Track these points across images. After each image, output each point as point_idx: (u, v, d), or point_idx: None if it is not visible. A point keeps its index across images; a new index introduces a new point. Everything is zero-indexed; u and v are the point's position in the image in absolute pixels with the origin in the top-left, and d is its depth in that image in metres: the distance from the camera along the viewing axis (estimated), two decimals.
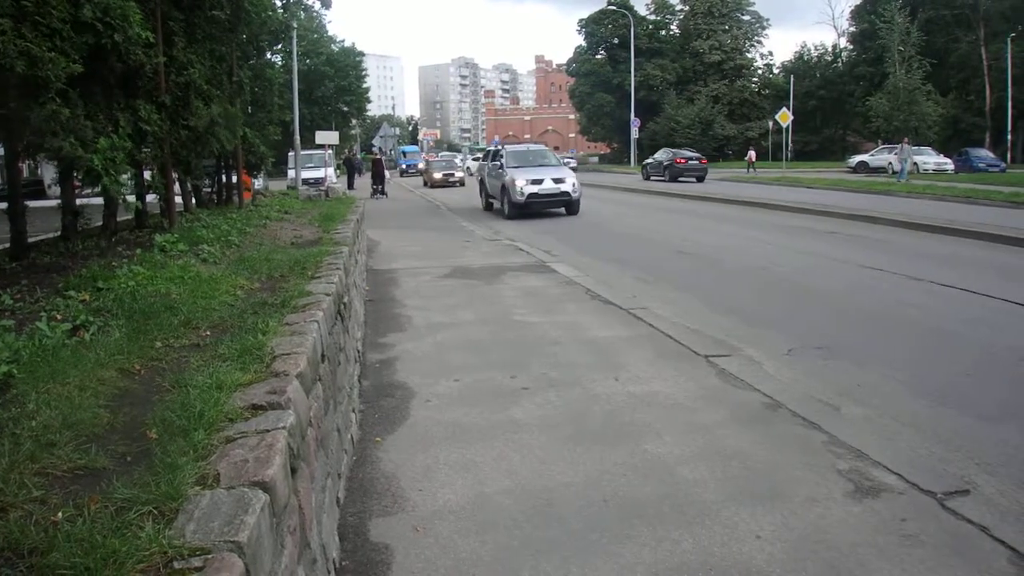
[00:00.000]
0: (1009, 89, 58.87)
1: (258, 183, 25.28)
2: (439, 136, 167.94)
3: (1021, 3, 63.22)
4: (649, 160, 48.90)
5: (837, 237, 17.42)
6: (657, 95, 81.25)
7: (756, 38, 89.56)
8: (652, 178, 45.58)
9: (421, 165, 62.92)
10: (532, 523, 4.18)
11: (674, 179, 43.01)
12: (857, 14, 79.53)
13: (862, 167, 50.46)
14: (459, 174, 49.15)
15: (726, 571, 3.72)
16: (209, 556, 1.97)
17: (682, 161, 44.07)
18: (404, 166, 71.99)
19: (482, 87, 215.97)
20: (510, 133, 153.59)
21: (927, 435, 5.60)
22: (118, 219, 10.33)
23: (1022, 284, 11.09)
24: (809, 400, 6.23)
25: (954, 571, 3.74)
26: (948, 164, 47.02)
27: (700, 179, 42.59)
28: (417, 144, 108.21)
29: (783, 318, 9.50)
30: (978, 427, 5.79)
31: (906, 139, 36.80)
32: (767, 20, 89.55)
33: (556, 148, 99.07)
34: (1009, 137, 60.69)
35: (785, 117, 54.92)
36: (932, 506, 4.40)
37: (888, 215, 20.43)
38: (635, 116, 67.60)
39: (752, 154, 58.29)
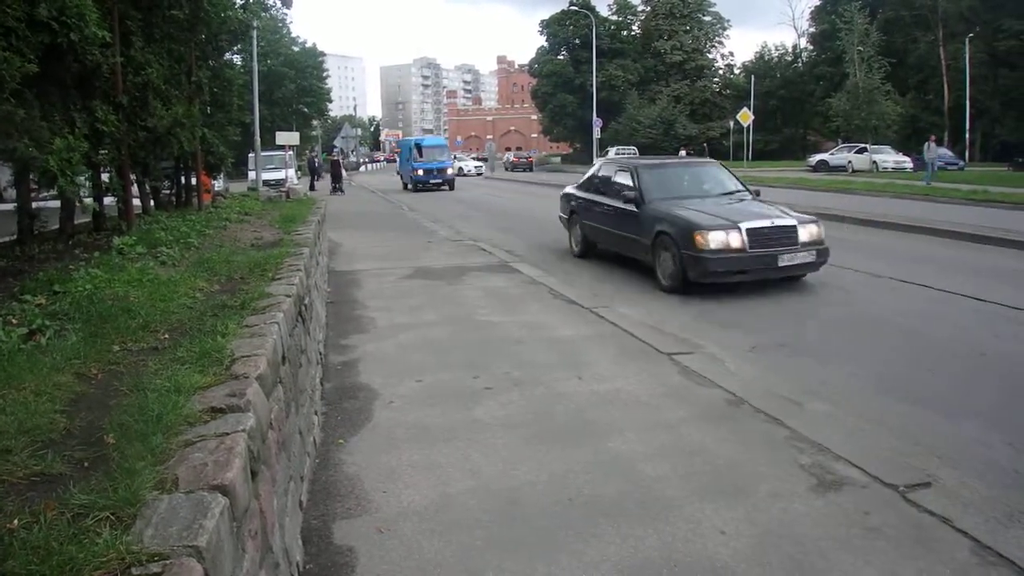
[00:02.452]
0: (967, 89, 59.96)
1: (218, 185, 25.00)
2: (401, 137, 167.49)
3: (979, 4, 64.39)
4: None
5: None
6: (619, 95, 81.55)
7: (717, 39, 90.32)
8: None
9: (455, 169, 45.93)
10: (496, 523, 4.17)
11: None
12: (817, 15, 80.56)
13: (822, 166, 51.07)
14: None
15: (690, 567, 3.74)
16: (168, 562, 1.95)
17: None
18: (419, 171, 41.36)
19: (444, 87, 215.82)
20: (472, 134, 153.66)
21: (889, 429, 5.68)
22: (75, 222, 10.17)
23: (982, 280, 11.31)
24: (772, 396, 6.28)
25: (917, 562, 3.78)
26: (907, 162, 47.70)
27: None
28: (378, 145, 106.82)
29: (745, 316, 9.58)
30: (939, 421, 5.89)
31: (933, 137, 36.79)
32: (728, 21, 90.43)
33: (519, 148, 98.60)
34: (967, 136, 61.76)
35: (746, 117, 55.46)
36: (894, 499, 4.45)
37: (848, 213, 20.67)
38: (597, 116, 67.73)
39: (683, 153, 59.11)
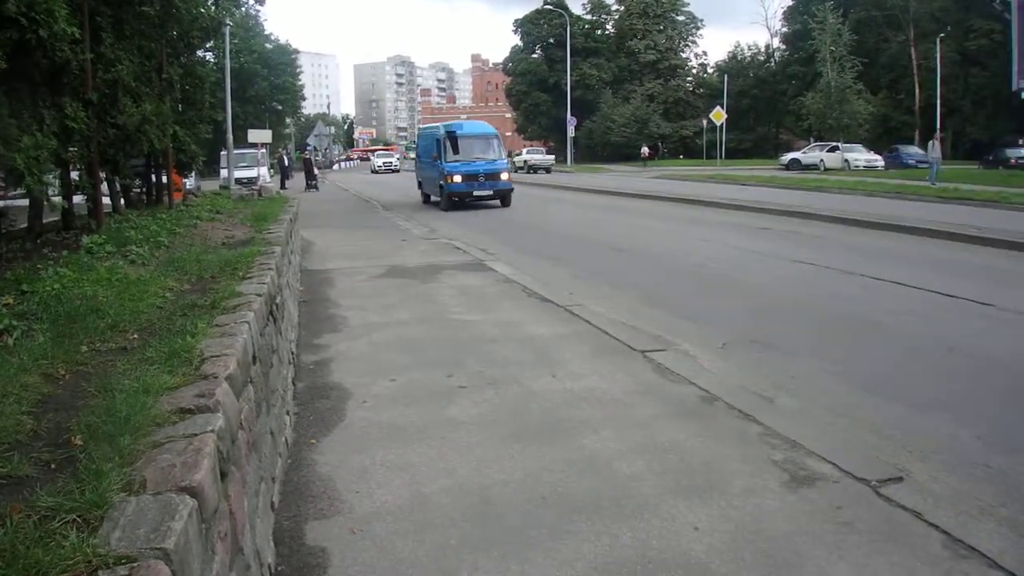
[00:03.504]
0: (938, 88, 60.59)
1: (190, 183, 24.81)
2: (375, 135, 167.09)
3: (949, 4, 65.14)
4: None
5: (770, 233, 17.73)
6: (593, 94, 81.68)
7: (690, 38, 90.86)
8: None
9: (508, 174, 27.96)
10: (471, 522, 4.16)
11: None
12: (789, 15, 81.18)
13: (795, 164, 51.48)
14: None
15: (664, 563, 3.75)
16: (135, 564, 1.92)
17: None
18: (456, 177, 26.45)
19: (418, 86, 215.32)
20: None
21: (860, 425, 5.73)
22: (44, 220, 10.05)
23: (951, 277, 11.42)
24: (744, 392, 6.32)
25: (890, 556, 3.81)
26: (878, 161, 48.18)
27: None
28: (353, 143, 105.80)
29: (717, 313, 9.63)
30: (909, 416, 5.94)
31: (940, 135, 36.82)
32: (701, 21, 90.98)
33: None
34: (938, 134, 62.38)
35: (719, 116, 55.79)
36: (866, 493, 4.49)
37: (820, 211, 20.87)
38: (571, 115, 67.86)
39: (645, 150, 59.39)
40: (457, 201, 26.26)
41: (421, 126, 43.19)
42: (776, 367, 7.27)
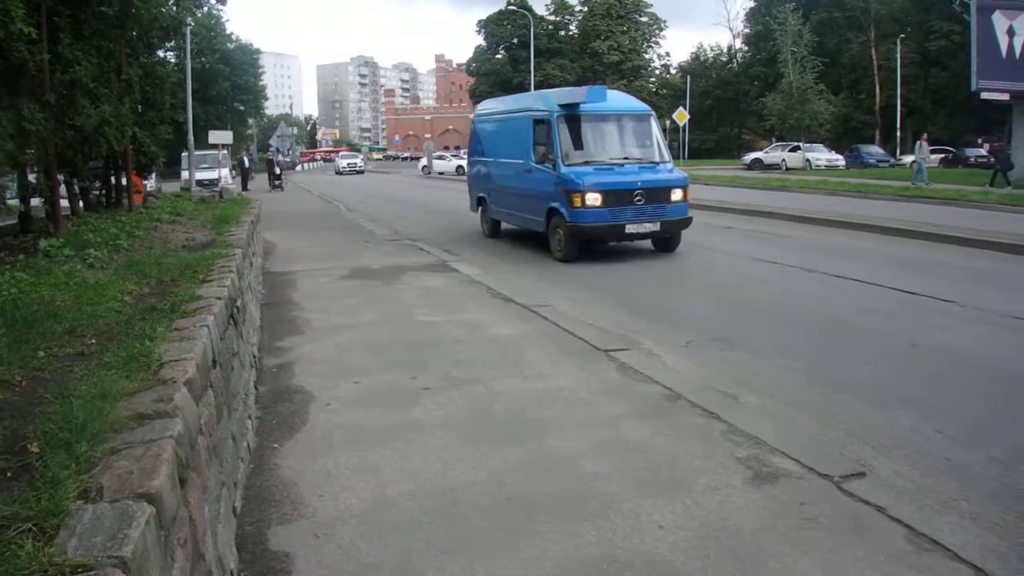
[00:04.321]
0: (898, 88, 61.55)
1: (150, 185, 24.50)
2: (338, 135, 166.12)
3: (910, 6, 66.10)
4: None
5: (733, 232, 17.88)
6: None
7: (654, 39, 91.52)
8: None
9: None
10: (436, 524, 4.14)
11: None
12: (752, 16, 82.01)
13: (757, 164, 51.98)
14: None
15: (629, 562, 3.76)
16: (92, 573, 1.89)
17: None
18: (592, 196, 13.38)
19: (382, 86, 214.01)
20: (411, 133, 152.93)
21: (823, 421, 5.80)
22: (0, 224, 9.88)
23: (913, 274, 11.65)
24: (708, 390, 6.37)
25: (854, 551, 3.86)
26: (839, 160, 48.80)
27: None
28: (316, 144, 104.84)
29: (681, 312, 9.72)
30: (872, 412, 6.03)
31: (925, 135, 37.20)
32: (664, 22, 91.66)
33: (457, 147, 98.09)
34: (898, 134, 63.36)
35: (682, 116, 56.01)
36: (830, 489, 4.55)
37: (783, 210, 21.09)
38: None
39: None
40: (590, 242, 14.20)
41: (486, 104, 20.50)
42: (740, 365, 7.33)
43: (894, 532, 4.05)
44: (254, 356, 7.00)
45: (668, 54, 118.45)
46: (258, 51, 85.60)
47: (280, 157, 51.68)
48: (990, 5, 34.25)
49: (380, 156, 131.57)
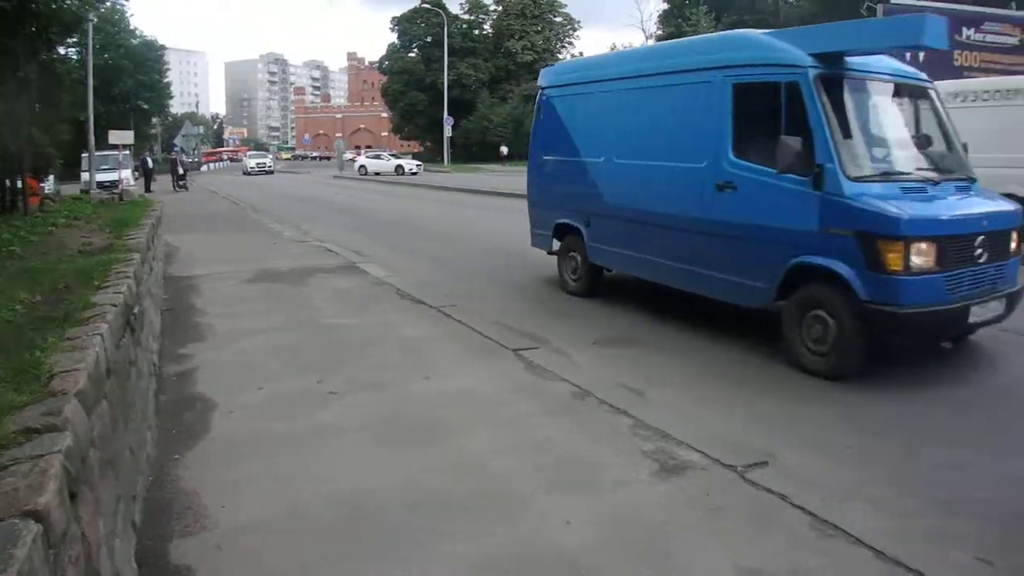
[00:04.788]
0: None
1: (48, 187, 23.61)
2: (246, 134, 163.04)
3: (819, 9, 68.02)
4: None
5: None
6: (471, 94, 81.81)
7: (567, 39, 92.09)
8: None
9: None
10: (346, 530, 4.10)
11: None
12: (664, 18, 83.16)
13: None
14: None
15: (538, 559, 3.79)
16: None
17: None
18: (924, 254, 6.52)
19: (292, 84, 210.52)
20: (321, 132, 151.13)
21: (728, 413, 5.94)
22: None
23: None
24: (616, 387, 6.45)
25: (759, 539, 3.97)
26: None
27: None
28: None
29: (591, 310, 9.80)
30: (776, 403, 6.21)
31: None
32: (578, 22, 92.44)
33: (368, 146, 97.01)
34: None
35: None
36: (734, 479, 4.66)
37: None
38: (448, 114, 67.69)
39: (504, 149, 60.62)
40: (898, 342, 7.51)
41: (579, 64, 13.35)
42: (648, 361, 7.46)
43: (797, 519, 4.17)
44: (154, 364, 6.80)
45: (582, 54, 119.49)
46: (163, 47, 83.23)
47: (184, 157, 50.57)
48: (897, 10, 35.44)
49: (289, 156, 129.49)
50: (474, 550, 3.87)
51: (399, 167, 56.00)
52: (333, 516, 4.25)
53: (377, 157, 60.67)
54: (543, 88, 11.35)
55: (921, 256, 6.45)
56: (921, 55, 21.62)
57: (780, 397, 6.36)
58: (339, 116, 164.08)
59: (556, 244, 11.08)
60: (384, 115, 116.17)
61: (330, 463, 4.97)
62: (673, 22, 74.81)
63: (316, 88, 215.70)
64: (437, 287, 11.00)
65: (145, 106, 77.47)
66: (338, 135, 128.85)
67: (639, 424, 5.53)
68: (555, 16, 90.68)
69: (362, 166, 58.44)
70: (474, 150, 79.11)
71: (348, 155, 74.22)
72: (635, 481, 4.64)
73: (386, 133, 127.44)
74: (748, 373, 7.02)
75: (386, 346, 7.85)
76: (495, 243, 16.05)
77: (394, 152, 69.37)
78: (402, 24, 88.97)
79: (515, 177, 44.37)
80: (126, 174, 33.95)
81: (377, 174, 54.93)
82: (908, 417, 5.92)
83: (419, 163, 60.41)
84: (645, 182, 9.03)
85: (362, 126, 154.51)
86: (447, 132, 66.91)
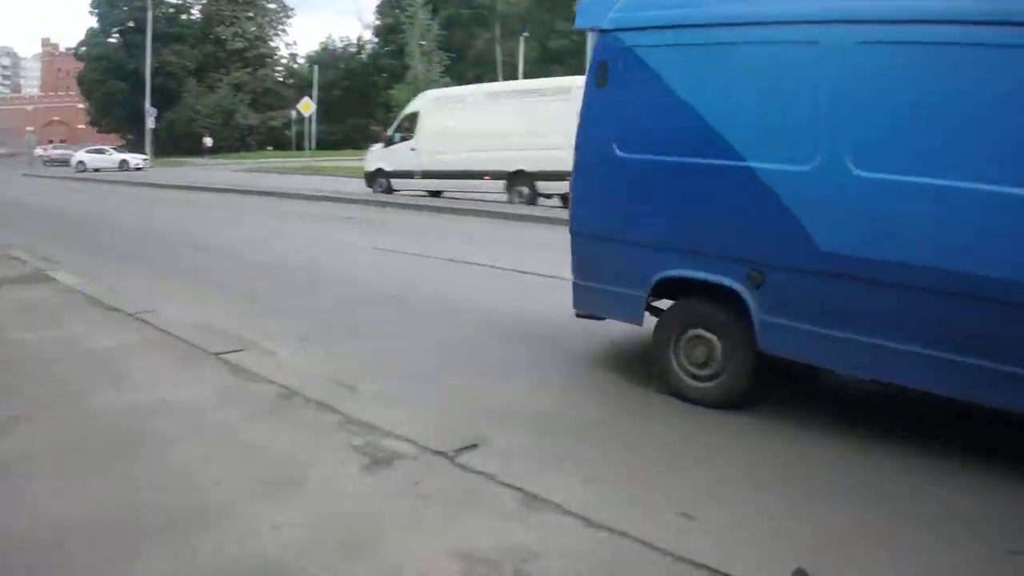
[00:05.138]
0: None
1: None
2: None
3: (534, 6, 71.06)
4: None
5: (354, 222, 18.21)
6: (176, 83, 77.81)
7: (280, 27, 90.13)
8: None
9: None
10: (35, 570, 3.73)
11: None
12: (382, 8, 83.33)
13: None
14: None
15: (242, 567, 3.72)
16: None
17: None
18: None
19: None
20: (10, 125, 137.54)
21: (437, 400, 6.12)
22: None
23: (528, 253, 12.65)
24: (325, 383, 6.41)
25: (468, 519, 4.11)
26: None
27: None
28: None
29: (301, 305, 9.71)
30: (490, 385, 6.49)
31: None
32: (292, 10, 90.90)
33: (63, 140, 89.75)
34: None
35: (307, 106, 55.57)
36: (444, 464, 4.78)
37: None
38: (151, 105, 63.82)
39: (208, 141, 59.53)
40: None
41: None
42: (358, 354, 7.50)
43: (506, 496, 4.35)
44: None
45: (296, 43, 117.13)
46: None
47: None
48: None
49: None
50: (175, 567, 3.70)
51: (123, 162, 52.68)
52: (20, 557, 3.82)
53: (100, 151, 56.69)
54: (615, 31, 6.29)
55: None
56: None
57: (486, 376, 6.65)
58: (31, 108, 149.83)
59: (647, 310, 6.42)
60: (81, 106, 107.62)
61: (10, 500, 4.45)
62: (391, 13, 75.35)
63: (5, 77, 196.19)
64: (134, 290, 10.32)
65: None
66: (29, 128, 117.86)
67: (348, 419, 5.50)
68: (268, 3, 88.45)
69: (80, 162, 53.59)
70: (180, 142, 75.46)
71: (39, 150, 68.12)
72: (343, 477, 4.64)
73: (83, 125, 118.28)
74: (462, 358, 7.29)
75: (75, 360, 7.18)
76: (200, 241, 15.51)
77: (118, 146, 64.59)
78: (102, 7, 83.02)
79: (220, 172, 43.12)
80: None
81: (97, 170, 50.79)
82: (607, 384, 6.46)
83: (145, 157, 56.80)
84: (931, 217, 4.82)
85: (56, 118, 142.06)
86: (149, 124, 63.15)
